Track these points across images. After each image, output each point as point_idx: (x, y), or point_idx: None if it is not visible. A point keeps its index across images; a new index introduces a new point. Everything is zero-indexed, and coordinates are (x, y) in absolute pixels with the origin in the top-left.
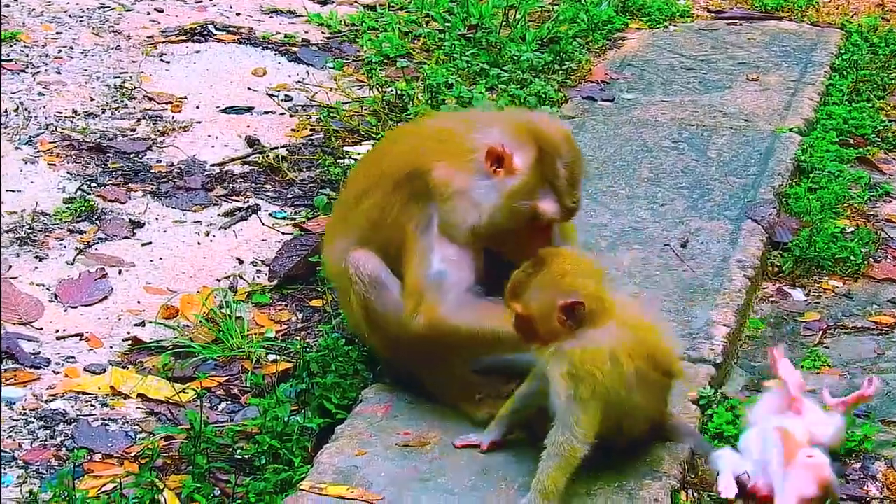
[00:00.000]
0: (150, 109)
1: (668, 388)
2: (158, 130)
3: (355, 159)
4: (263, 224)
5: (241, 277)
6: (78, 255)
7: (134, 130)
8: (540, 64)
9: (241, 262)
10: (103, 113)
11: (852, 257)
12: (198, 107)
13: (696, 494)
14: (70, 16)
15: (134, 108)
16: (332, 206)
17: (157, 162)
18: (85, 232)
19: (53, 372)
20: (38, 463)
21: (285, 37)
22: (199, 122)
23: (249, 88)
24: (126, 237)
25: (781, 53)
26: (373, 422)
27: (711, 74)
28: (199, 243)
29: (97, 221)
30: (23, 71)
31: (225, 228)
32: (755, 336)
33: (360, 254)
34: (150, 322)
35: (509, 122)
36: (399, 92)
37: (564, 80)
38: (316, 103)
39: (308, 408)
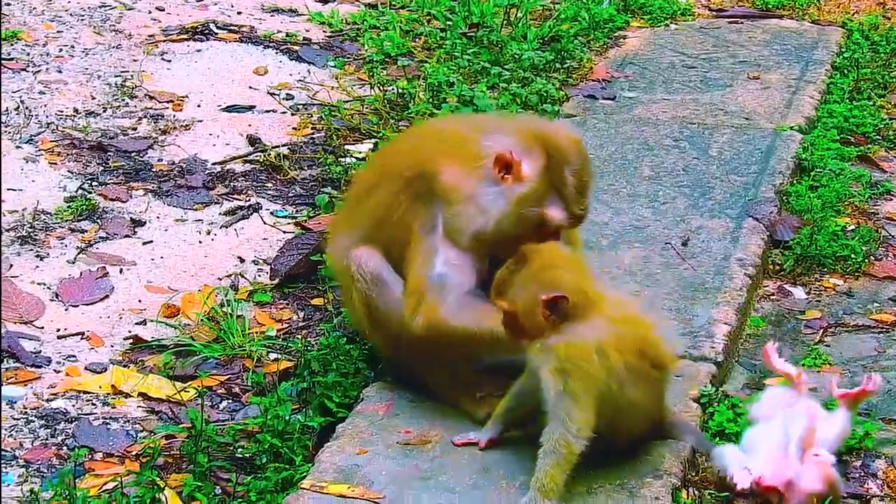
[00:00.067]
0: (151, 108)
1: (663, 381)
2: (160, 129)
3: (357, 158)
4: (265, 223)
5: (243, 276)
6: (79, 253)
7: (135, 129)
8: (541, 62)
9: (242, 260)
10: (104, 112)
11: (853, 255)
12: (199, 105)
13: (697, 492)
14: (71, 14)
15: (135, 106)
16: (333, 205)
17: (159, 161)
18: (86, 231)
19: (54, 371)
20: (39, 462)
21: (286, 35)
22: (201, 121)
23: (251, 87)
24: (127, 236)
25: (782, 52)
26: (374, 420)
27: (712, 73)
28: (200, 242)
29: (98, 220)
30: (24, 70)
31: (226, 227)
32: (756, 334)
33: (363, 251)
34: (151, 321)
35: (518, 128)
36: (400, 90)
37: (566, 78)
38: (317, 102)
39: (309, 406)
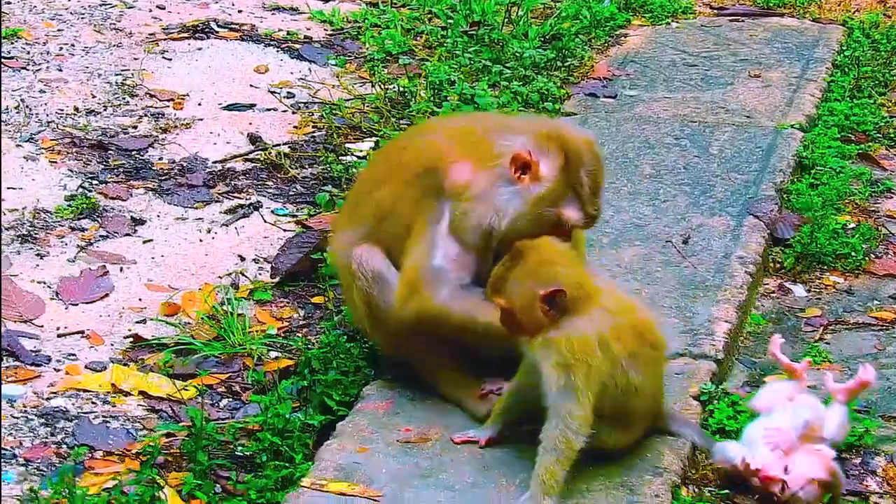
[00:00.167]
0: (151, 107)
1: (661, 361)
2: (160, 128)
3: (358, 156)
4: (265, 221)
5: (243, 274)
6: (79, 252)
7: (136, 128)
8: (542, 61)
9: (242, 259)
10: (105, 110)
11: (853, 253)
12: (200, 104)
13: (697, 490)
14: (71, 13)
15: (135, 105)
16: (334, 203)
17: (159, 159)
18: (86, 229)
19: (54, 369)
20: (39, 460)
21: (287, 34)
22: (201, 120)
23: (251, 85)
24: (127, 234)
25: (783, 50)
26: (374, 418)
27: (713, 71)
28: (200, 240)
29: (98, 219)
30: (24, 68)
31: (227, 225)
32: (756, 332)
33: (364, 249)
34: (152, 319)
35: (533, 128)
36: (401, 89)
37: (567, 76)
38: (318, 100)
39: (309, 405)
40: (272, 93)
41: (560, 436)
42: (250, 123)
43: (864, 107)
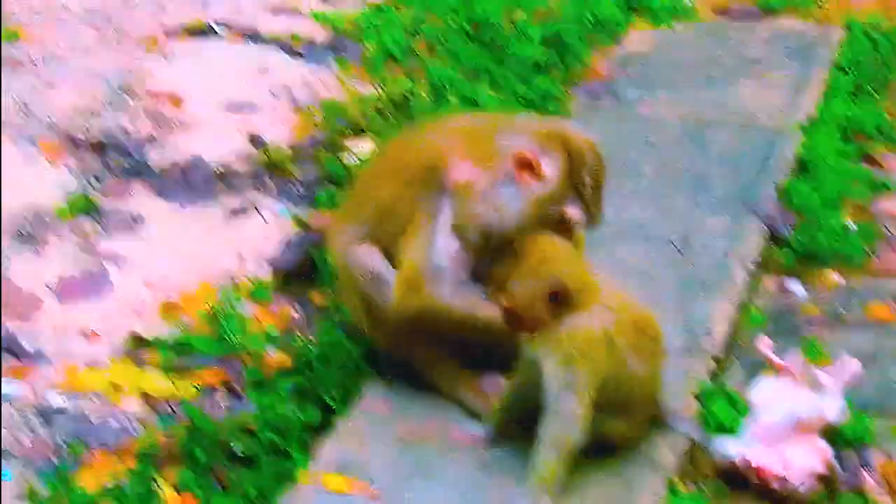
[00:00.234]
0: (151, 107)
1: (660, 355)
2: (160, 128)
3: (358, 157)
4: (265, 221)
5: (243, 274)
6: (78, 251)
7: (135, 128)
8: (543, 61)
9: (242, 258)
10: (105, 110)
11: (853, 252)
12: (200, 104)
13: (693, 485)
14: (71, 13)
15: (136, 105)
16: (334, 203)
17: (159, 159)
18: (85, 229)
19: (53, 367)
20: (37, 458)
21: (289, 34)
22: (202, 120)
23: (252, 86)
24: (127, 234)
25: (784, 50)
26: (373, 416)
27: (715, 71)
28: (200, 240)
29: (98, 218)
30: (23, 68)
31: (226, 225)
32: (755, 330)
33: (363, 248)
34: (151, 318)
35: (535, 128)
36: (403, 89)
37: (568, 77)
38: (319, 101)
39: (308, 402)
40: (273, 94)
41: (558, 431)
42: (251, 124)
43: (865, 107)
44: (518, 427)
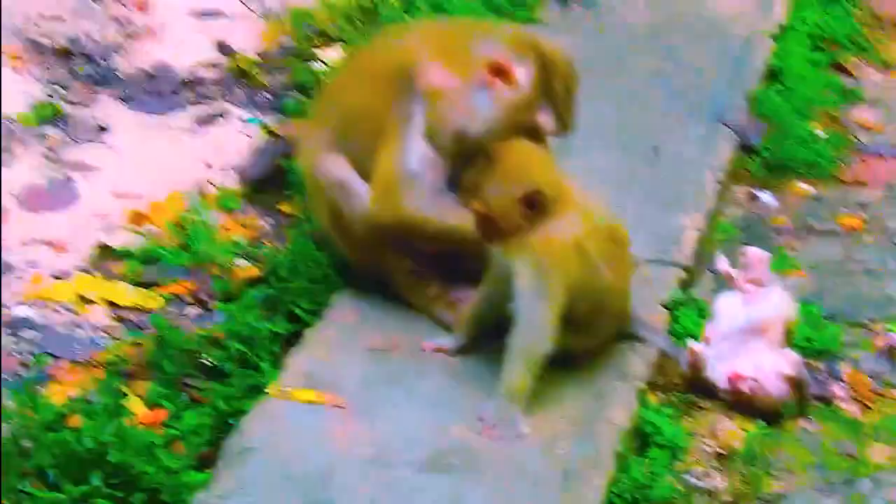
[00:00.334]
0: (118, 13)
1: (629, 263)
2: (126, 34)
3: (327, 64)
4: (234, 129)
5: (211, 183)
6: (43, 160)
7: (101, 34)
8: None
9: (210, 167)
10: (70, 16)
11: (822, 161)
12: (167, 10)
13: (664, 395)
14: None
15: (101, 11)
16: (303, 111)
17: (126, 66)
18: (51, 137)
19: (19, 278)
20: (4, 371)
21: None
22: (169, 26)
23: None
24: (93, 142)
25: None
26: (342, 327)
27: None
28: (167, 148)
29: (63, 126)
30: None
31: (194, 133)
32: (725, 239)
33: (331, 157)
34: (118, 228)
35: (510, 36)
36: None
37: None
38: (288, 8)
39: (277, 313)
40: (241, 0)
41: (527, 342)
42: (219, 31)
43: (836, 15)
44: (488, 338)
